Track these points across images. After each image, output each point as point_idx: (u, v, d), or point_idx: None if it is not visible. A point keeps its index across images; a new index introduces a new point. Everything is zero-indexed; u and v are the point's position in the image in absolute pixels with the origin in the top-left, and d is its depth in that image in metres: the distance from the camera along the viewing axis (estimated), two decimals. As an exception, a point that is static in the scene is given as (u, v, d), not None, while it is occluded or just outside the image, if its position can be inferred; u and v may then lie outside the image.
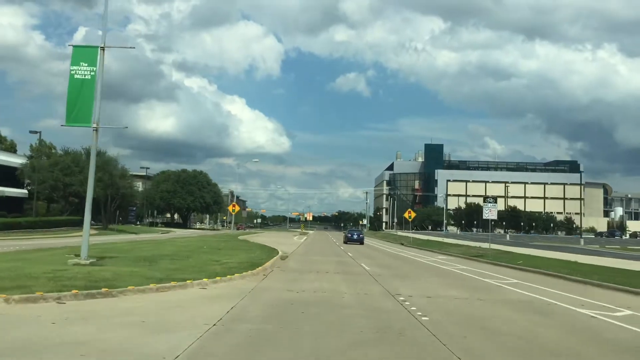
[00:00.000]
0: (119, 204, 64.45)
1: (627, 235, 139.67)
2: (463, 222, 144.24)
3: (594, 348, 7.45)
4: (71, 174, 59.68)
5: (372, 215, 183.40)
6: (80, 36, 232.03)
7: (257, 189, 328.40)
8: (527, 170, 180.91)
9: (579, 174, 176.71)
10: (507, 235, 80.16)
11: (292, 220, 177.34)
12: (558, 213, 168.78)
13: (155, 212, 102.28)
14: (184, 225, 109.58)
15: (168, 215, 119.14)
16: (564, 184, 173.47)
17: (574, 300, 12.35)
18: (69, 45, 57.71)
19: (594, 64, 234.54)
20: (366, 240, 60.96)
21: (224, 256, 20.46)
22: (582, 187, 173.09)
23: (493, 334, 8.14)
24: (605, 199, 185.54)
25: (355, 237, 49.18)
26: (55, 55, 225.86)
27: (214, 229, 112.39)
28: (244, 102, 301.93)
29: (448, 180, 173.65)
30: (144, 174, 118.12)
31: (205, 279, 12.56)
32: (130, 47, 24.15)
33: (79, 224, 59.67)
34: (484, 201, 25.92)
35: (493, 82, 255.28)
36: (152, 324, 7.70)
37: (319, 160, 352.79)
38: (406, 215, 50.00)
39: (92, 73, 15.48)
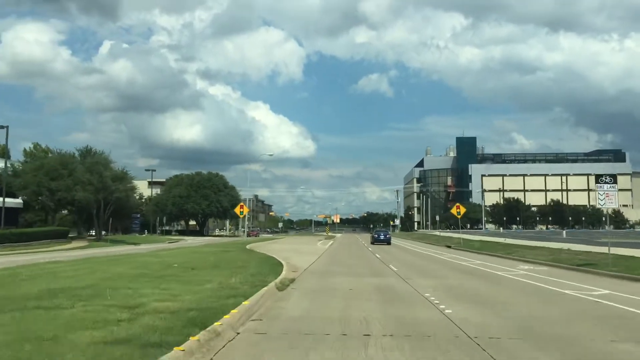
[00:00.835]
0: (114, 211, 56.06)
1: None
2: (504, 218, 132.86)
3: None
4: (58, 178, 51.57)
5: (403, 215, 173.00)
6: (105, 50, 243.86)
7: (283, 192, 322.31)
8: (567, 161, 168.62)
9: (624, 164, 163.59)
10: (564, 232, 69.65)
11: (319, 223, 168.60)
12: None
13: (166, 219, 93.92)
14: (200, 232, 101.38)
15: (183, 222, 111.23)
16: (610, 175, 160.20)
17: None
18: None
19: (621, 54, 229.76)
20: (403, 243, 51.57)
21: (180, 285, 11.53)
22: (631, 177, 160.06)
23: None
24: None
25: (382, 237, 49.13)
26: (81, 69, 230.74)
27: (234, 235, 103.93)
28: (268, 107, 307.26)
29: (483, 175, 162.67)
30: (160, 179, 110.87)
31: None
32: None
33: (65, 236, 51.49)
34: (597, 182, 16.35)
35: (518, 77, 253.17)
36: None
37: (345, 162, 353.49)
38: (454, 210, 40.40)
39: None
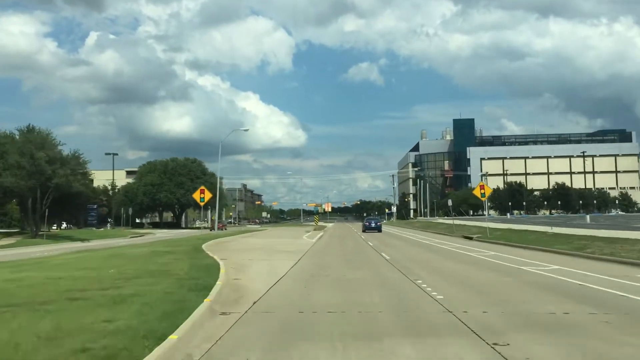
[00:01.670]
0: (60, 201, 46.41)
1: None
2: (510, 203, 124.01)
3: None
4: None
5: (398, 203, 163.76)
6: (91, 41, 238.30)
7: (274, 180, 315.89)
8: (570, 142, 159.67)
9: (630, 144, 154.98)
10: (588, 217, 60.64)
11: (310, 212, 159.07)
12: (610, 189, 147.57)
13: (138, 210, 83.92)
14: (177, 224, 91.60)
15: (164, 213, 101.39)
16: (615, 155, 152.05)
17: None
18: None
19: (610, 38, 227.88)
20: (411, 234, 42.52)
21: None
22: (638, 157, 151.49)
23: None
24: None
25: (373, 225, 49.30)
26: (68, 61, 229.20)
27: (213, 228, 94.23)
28: (258, 97, 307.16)
29: (482, 159, 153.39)
30: (133, 168, 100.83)
31: None
32: None
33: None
34: None
35: (507, 63, 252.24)
36: None
37: (336, 151, 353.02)
38: (477, 191, 30.93)
39: None
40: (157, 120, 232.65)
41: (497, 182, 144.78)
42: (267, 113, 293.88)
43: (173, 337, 5.82)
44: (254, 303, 9.05)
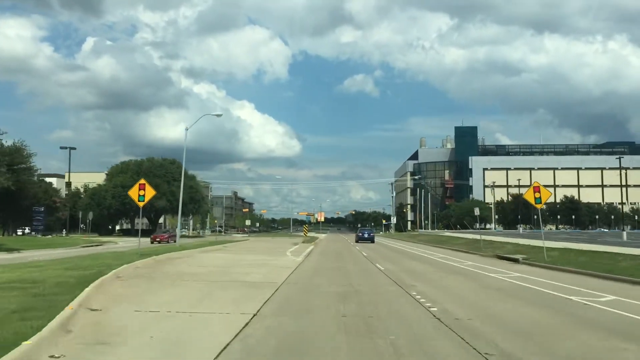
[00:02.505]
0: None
1: None
2: (519, 217, 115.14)
3: None
4: None
5: (395, 214, 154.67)
6: (88, 47, 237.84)
7: (263, 184, 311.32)
8: (578, 153, 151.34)
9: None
10: (624, 234, 51.87)
11: (302, 222, 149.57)
12: (620, 204, 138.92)
13: (102, 214, 74.47)
14: (152, 232, 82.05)
15: (140, 219, 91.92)
16: (627, 169, 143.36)
17: None
18: None
19: (604, 55, 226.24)
20: (423, 252, 33.28)
21: None
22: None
23: None
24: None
25: (366, 235, 51.01)
26: (64, 66, 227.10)
27: (198, 236, 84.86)
28: (253, 106, 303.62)
29: (485, 169, 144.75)
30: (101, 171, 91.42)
31: None
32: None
33: None
34: None
35: (503, 78, 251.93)
36: None
37: (330, 162, 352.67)
38: (529, 196, 21.88)
39: None
40: (152, 127, 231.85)
41: (501, 194, 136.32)
42: (262, 122, 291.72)
43: None
44: None
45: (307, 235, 50.32)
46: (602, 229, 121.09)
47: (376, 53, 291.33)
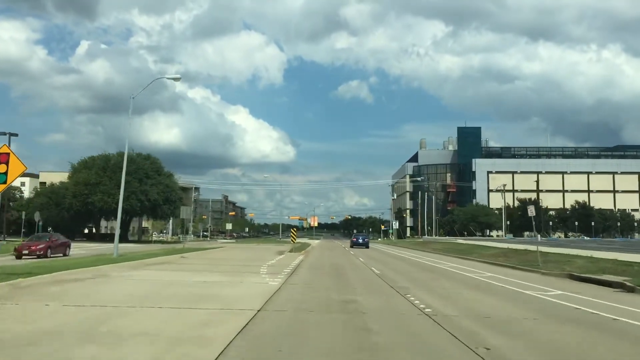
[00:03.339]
0: None
1: None
2: (533, 223, 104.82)
3: None
4: None
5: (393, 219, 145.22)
6: (82, 50, 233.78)
7: (255, 188, 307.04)
8: (588, 156, 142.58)
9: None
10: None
11: (294, 227, 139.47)
12: (633, 210, 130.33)
13: (62, 216, 64.86)
14: (124, 237, 72.51)
15: (110, 221, 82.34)
16: (639, 173, 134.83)
17: None
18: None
19: (598, 64, 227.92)
20: (455, 268, 23.58)
21: None
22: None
23: None
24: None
25: (360, 241, 52.52)
26: (58, 69, 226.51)
27: (177, 242, 75.16)
28: (247, 111, 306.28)
29: (489, 172, 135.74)
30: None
31: None
32: None
33: None
34: None
35: (497, 86, 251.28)
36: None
37: (325, 168, 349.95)
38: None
39: None
40: (146, 131, 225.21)
41: (506, 199, 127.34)
42: (256, 127, 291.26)
43: None
44: None
45: (296, 241, 40.67)
46: (617, 237, 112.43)
47: (371, 59, 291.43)
